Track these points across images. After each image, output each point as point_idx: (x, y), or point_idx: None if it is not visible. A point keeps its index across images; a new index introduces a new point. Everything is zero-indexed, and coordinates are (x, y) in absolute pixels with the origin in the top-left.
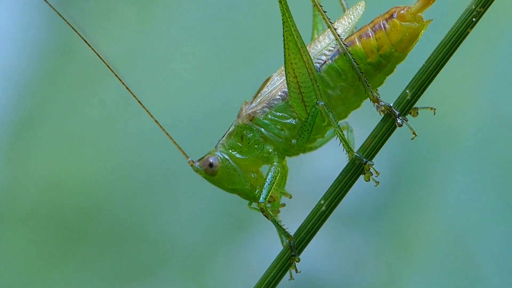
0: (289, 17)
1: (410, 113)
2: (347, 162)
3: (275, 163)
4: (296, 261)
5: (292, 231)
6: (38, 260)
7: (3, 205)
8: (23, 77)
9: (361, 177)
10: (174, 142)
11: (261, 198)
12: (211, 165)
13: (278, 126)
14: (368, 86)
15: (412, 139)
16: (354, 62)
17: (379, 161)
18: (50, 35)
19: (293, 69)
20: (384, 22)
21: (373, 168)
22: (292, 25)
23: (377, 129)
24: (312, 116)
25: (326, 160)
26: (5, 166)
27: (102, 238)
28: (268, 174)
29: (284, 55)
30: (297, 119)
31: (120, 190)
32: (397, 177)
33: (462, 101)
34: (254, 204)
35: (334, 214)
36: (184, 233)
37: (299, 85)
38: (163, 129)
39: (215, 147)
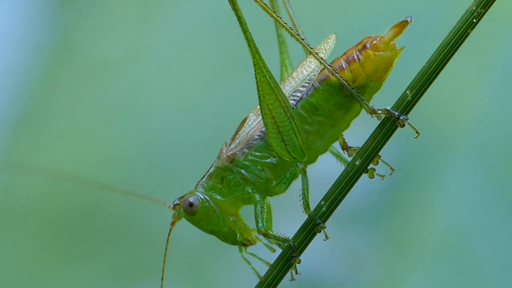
0: (259, 59)
1: (372, 162)
2: (348, 164)
3: (257, 199)
4: (297, 262)
5: (293, 231)
6: (39, 259)
7: (4, 204)
8: (24, 76)
9: (361, 178)
10: (150, 199)
11: (259, 225)
12: (191, 204)
13: (258, 167)
14: (362, 100)
15: (416, 137)
16: (343, 81)
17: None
18: (50, 34)
19: (270, 110)
20: (357, 53)
21: (324, 231)
22: (264, 66)
23: (377, 131)
24: (291, 174)
25: (327, 161)
26: (6, 165)
27: (102, 237)
28: (255, 209)
29: (259, 97)
30: (277, 158)
31: (121, 186)
32: (397, 178)
33: (462, 101)
34: (245, 255)
35: (334, 214)
36: (185, 233)
37: (277, 125)
38: (135, 194)
39: (195, 187)
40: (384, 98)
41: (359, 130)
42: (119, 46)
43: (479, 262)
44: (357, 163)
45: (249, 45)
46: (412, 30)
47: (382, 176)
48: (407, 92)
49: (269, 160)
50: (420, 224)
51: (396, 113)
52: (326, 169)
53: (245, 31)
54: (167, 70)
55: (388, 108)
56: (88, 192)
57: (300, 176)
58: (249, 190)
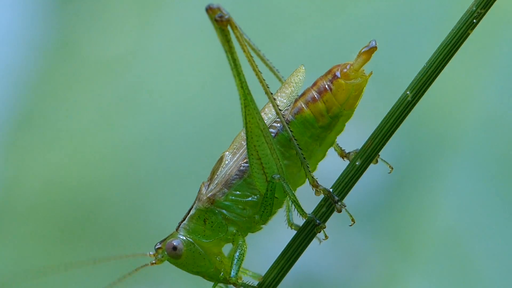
0: (251, 101)
1: (373, 162)
2: (347, 164)
3: (240, 242)
4: None
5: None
6: (39, 257)
7: (4, 202)
8: (23, 74)
9: (361, 179)
10: (128, 255)
11: (232, 273)
12: (174, 248)
13: (240, 206)
14: (308, 170)
15: (350, 225)
16: (294, 141)
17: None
18: (51, 32)
19: (257, 151)
20: (328, 83)
21: (323, 231)
22: (254, 108)
23: (378, 131)
24: (271, 190)
25: (328, 160)
26: (6, 163)
27: (103, 235)
28: (236, 251)
29: (247, 137)
30: (257, 195)
31: (121, 187)
32: (397, 177)
33: (462, 101)
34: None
35: (334, 213)
36: None
37: (263, 166)
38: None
39: (176, 229)
40: (384, 99)
41: (358, 130)
42: (119, 44)
43: (480, 260)
44: (357, 163)
45: (242, 87)
46: (412, 30)
47: (391, 169)
48: (407, 92)
49: (250, 198)
50: (420, 222)
51: (336, 198)
52: (326, 168)
53: (238, 73)
54: (167, 67)
55: (330, 190)
56: (89, 189)
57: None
58: (234, 231)
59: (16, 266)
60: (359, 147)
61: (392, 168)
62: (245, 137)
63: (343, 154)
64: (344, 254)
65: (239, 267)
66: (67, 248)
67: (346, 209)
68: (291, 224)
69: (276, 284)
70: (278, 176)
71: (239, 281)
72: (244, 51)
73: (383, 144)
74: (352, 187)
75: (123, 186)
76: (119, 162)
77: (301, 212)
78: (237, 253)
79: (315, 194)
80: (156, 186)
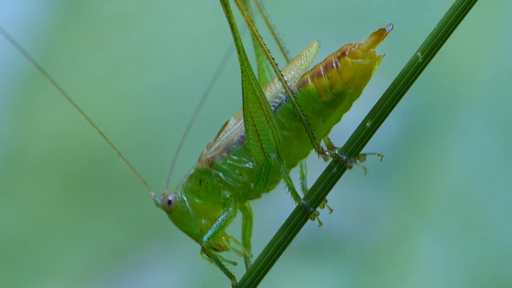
0: (247, 67)
1: (358, 159)
2: (358, 125)
3: (230, 208)
4: None
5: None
6: (48, 212)
7: (15, 157)
8: (35, 29)
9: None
10: (138, 176)
11: (204, 237)
12: (169, 202)
13: (236, 171)
14: (313, 137)
15: (380, 159)
16: (301, 113)
17: (391, 118)
18: None
19: (252, 118)
20: (336, 60)
21: (317, 218)
22: (251, 74)
23: (388, 93)
24: (265, 167)
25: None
26: (16, 118)
27: (112, 190)
28: (219, 216)
29: (243, 103)
30: (254, 163)
31: (130, 142)
32: (409, 133)
33: (474, 56)
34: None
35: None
36: None
37: (257, 133)
38: (126, 161)
39: (177, 187)
40: (395, 61)
41: (369, 91)
42: (124, 3)
43: (492, 216)
44: (367, 124)
45: (239, 52)
46: None
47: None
48: (418, 54)
49: (247, 165)
50: (431, 177)
51: (344, 157)
52: (337, 130)
53: (236, 38)
54: (179, 22)
55: (336, 152)
56: (100, 142)
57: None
58: (227, 195)
59: (27, 219)
60: (370, 108)
61: (381, 156)
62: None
63: (330, 147)
64: (356, 211)
65: (214, 233)
66: (77, 200)
67: (358, 162)
68: (305, 190)
69: (290, 240)
70: (275, 156)
71: (225, 251)
72: (243, 15)
73: (393, 106)
74: (362, 149)
75: (133, 139)
76: (130, 116)
77: (295, 196)
78: (221, 218)
79: (324, 160)
80: (166, 138)
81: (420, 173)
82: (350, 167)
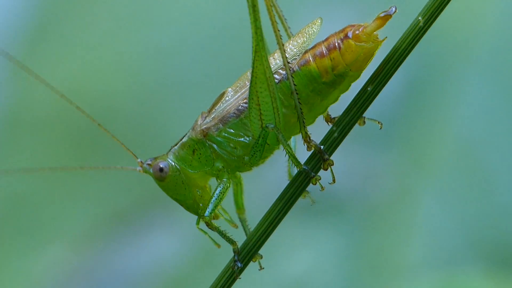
0: (262, 48)
1: (358, 123)
2: (359, 89)
3: (224, 179)
4: (237, 274)
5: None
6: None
7: (15, 116)
8: None
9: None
10: (122, 144)
11: (206, 212)
12: (161, 170)
13: (231, 144)
14: (303, 125)
15: (330, 183)
16: (296, 95)
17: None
18: None
19: (258, 97)
20: (339, 41)
21: (319, 183)
22: (264, 55)
23: (389, 56)
24: (263, 138)
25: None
26: (21, 74)
27: (114, 150)
28: (215, 190)
29: (251, 81)
30: (250, 137)
31: (133, 98)
32: (410, 90)
33: (476, 13)
34: (201, 225)
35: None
36: None
37: (260, 112)
38: (107, 131)
39: (167, 153)
40: (395, 25)
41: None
42: None
43: (492, 174)
44: (368, 88)
45: (256, 33)
46: None
47: (323, 187)
48: (419, 18)
49: (242, 139)
50: (432, 137)
51: (326, 156)
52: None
53: (255, 19)
54: None
55: (322, 147)
56: (102, 100)
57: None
58: (219, 167)
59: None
60: (371, 73)
61: (381, 124)
62: (250, 80)
63: (329, 119)
64: (357, 171)
65: (215, 206)
66: (82, 156)
67: (331, 169)
68: (290, 176)
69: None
70: (273, 126)
71: (215, 219)
72: None
73: (394, 71)
74: (364, 112)
75: (136, 97)
76: (132, 73)
77: (296, 163)
78: (217, 191)
79: (306, 149)
80: (168, 97)
81: (421, 133)
82: (325, 169)
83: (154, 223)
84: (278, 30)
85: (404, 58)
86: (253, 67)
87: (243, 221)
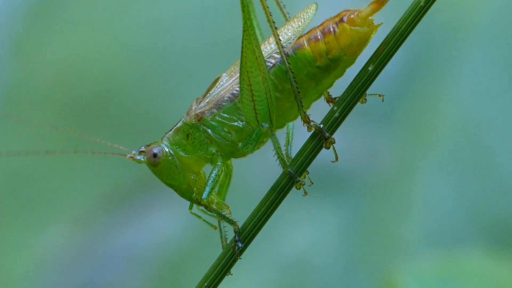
0: (250, 26)
1: (360, 101)
2: (360, 69)
3: (219, 163)
4: (237, 253)
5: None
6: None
7: (19, 90)
8: None
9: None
10: (111, 145)
11: (204, 194)
12: (155, 155)
13: (225, 129)
14: (302, 105)
15: (333, 161)
16: (291, 73)
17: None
18: None
19: (249, 77)
20: (333, 25)
21: (303, 188)
22: (253, 34)
23: (390, 36)
24: (256, 134)
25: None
26: (20, 51)
27: (117, 123)
28: (211, 173)
29: (241, 62)
30: (244, 122)
31: (134, 75)
32: (411, 67)
33: None
34: (194, 210)
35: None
36: None
37: (252, 93)
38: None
39: (161, 139)
40: (397, 5)
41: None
42: None
43: (493, 149)
44: (369, 68)
45: (243, 10)
46: None
47: (381, 96)
48: None
49: (236, 123)
50: (433, 113)
51: (327, 134)
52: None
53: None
54: None
55: (321, 126)
56: (102, 77)
57: (270, 138)
58: (213, 151)
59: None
60: (372, 52)
61: (337, 159)
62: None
63: (330, 99)
64: (359, 148)
65: (211, 189)
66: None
67: (333, 147)
68: (288, 158)
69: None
70: (267, 126)
71: (211, 204)
72: None
73: (396, 50)
74: (365, 91)
75: (137, 71)
76: (133, 48)
77: (283, 164)
78: (213, 174)
79: (307, 130)
80: (170, 71)
81: (421, 111)
82: (327, 148)
83: (155, 202)
84: (271, 14)
85: (405, 38)
86: (242, 47)
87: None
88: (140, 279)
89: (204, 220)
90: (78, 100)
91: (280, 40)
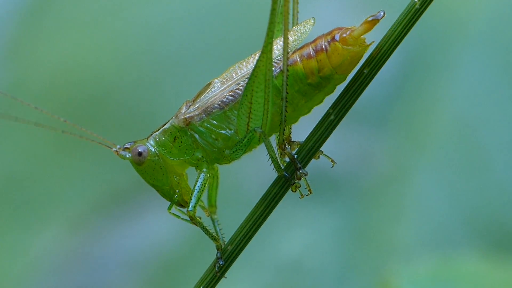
0: (269, 50)
1: (314, 157)
2: (356, 72)
3: (204, 170)
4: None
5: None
6: (47, 150)
7: (15, 89)
8: None
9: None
10: (98, 140)
11: (190, 206)
12: (139, 154)
13: (213, 136)
14: (283, 131)
15: (307, 195)
16: (285, 102)
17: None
18: None
19: (252, 96)
20: (326, 43)
21: (299, 190)
22: (270, 58)
23: (385, 39)
24: (248, 139)
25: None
26: (15, 53)
27: (111, 124)
28: (197, 181)
29: (249, 79)
30: (233, 131)
31: (129, 76)
32: (407, 69)
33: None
34: (173, 210)
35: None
36: None
37: (250, 111)
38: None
39: (147, 138)
40: (391, 5)
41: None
42: None
43: (488, 150)
44: (365, 71)
45: (268, 34)
46: None
47: (302, 195)
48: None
49: (224, 131)
50: (428, 116)
51: (299, 165)
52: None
53: (271, 22)
54: None
55: (295, 156)
56: (98, 77)
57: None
58: (199, 156)
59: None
60: (367, 55)
61: (334, 162)
62: (241, 73)
63: (288, 139)
64: (353, 151)
65: (198, 199)
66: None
67: (305, 179)
68: (283, 161)
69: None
70: (261, 130)
71: (198, 220)
72: None
73: (391, 53)
74: (360, 95)
75: (132, 73)
76: (128, 49)
77: (278, 168)
78: (198, 183)
79: (280, 156)
80: (165, 73)
81: (416, 114)
82: (299, 179)
83: (150, 205)
84: (288, 38)
85: (400, 40)
86: (255, 66)
87: (213, 222)
88: (135, 282)
89: (183, 219)
90: (73, 101)
91: (276, 54)
